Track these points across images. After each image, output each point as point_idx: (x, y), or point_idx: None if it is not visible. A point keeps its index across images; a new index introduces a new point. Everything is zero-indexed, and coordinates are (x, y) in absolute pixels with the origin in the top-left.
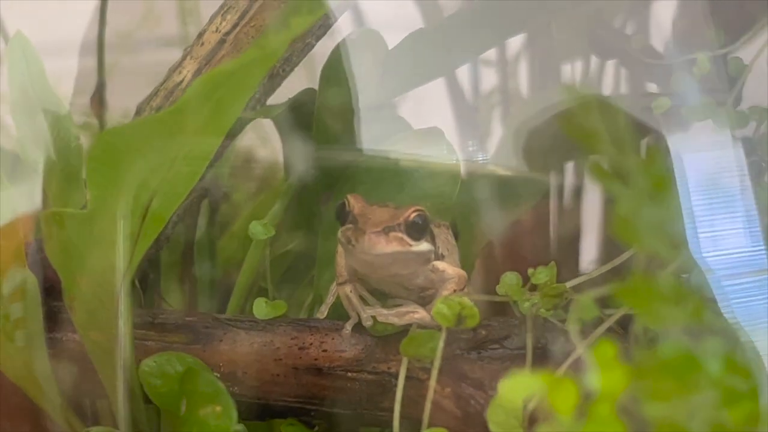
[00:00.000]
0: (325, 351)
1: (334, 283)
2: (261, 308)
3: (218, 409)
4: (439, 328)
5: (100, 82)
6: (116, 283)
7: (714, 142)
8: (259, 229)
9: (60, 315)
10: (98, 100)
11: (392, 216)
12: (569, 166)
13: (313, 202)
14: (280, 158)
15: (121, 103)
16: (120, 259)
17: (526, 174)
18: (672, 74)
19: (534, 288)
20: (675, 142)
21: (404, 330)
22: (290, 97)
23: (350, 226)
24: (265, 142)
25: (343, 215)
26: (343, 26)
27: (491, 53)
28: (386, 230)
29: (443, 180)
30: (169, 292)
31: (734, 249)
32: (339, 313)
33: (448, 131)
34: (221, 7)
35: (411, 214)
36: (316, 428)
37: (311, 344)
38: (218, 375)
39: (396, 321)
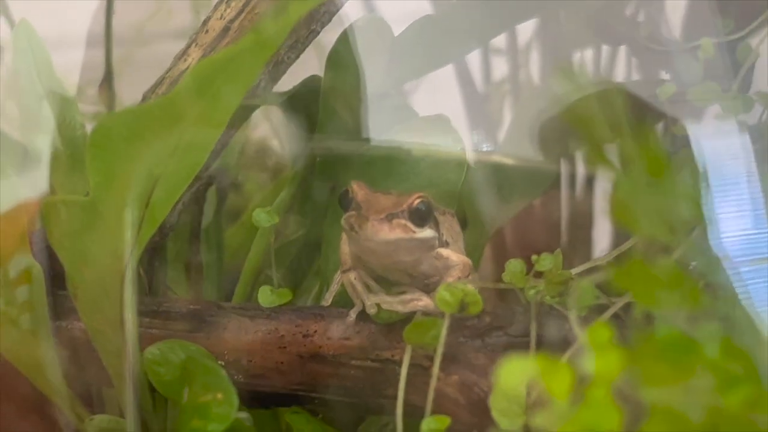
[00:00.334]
0: (329, 339)
1: (339, 271)
2: (266, 296)
3: (219, 396)
4: (444, 316)
5: (108, 71)
6: (119, 271)
7: (722, 128)
8: (263, 217)
9: (66, 303)
10: (107, 89)
11: (396, 203)
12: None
13: (319, 190)
14: (288, 146)
15: (135, 96)
16: (123, 246)
17: (535, 162)
18: (681, 61)
19: (540, 275)
20: (693, 129)
21: (408, 317)
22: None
23: (353, 213)
24: (277, 131)
25: (346, 202)
26: (352, 13)
27: (501, 42)
28: (389, 217)
29: (449, 168)
30: (174, 281)
31: (741, 234)
32: (344, 300)
33: (458, 120)
34: None
35: (414, 200)
36: (321, 416)
37: (316, 332)
38: (222, 363)
39: (400, 308)
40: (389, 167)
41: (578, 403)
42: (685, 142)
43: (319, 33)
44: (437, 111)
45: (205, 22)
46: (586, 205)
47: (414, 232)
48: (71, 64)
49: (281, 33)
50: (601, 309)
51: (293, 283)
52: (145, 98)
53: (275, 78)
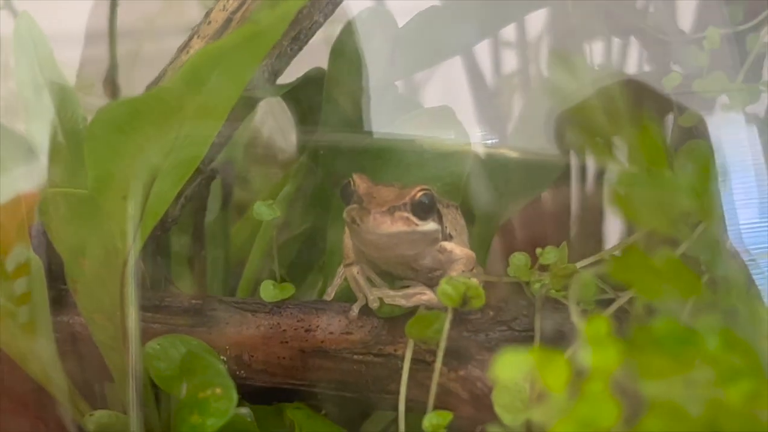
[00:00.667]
0: (331, 333)
1: (342, 265)
2: (268, 290)
3: (218, 391)
4: (447, 310)
5: (112, 66)
6: (119, 266)
7: (730, 119)
8: (264, 210)
9: (67, 298)
10: (111, 83)
11: (398, 195)
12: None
13: (323, 183)
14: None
15: (142, 90)
16: (123, 240)
17: (543, 155)
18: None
19: (545, 269)
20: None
21: (412, 312)
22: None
23: (355, 205)
24: (282, 124)
25: (347, 195)
26: (358, 4)
27: (511, 35)
28: (391, 210)
29: (453, 160)
30: (178, 276)
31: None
32: (348, 295)
33: (467, 113)
34: None
35: (417, 193)
36: (323, 411)
37: (318, 327)
38: (224, 358)
39: (403, 303)
40: (393, 159)
41: (576, 397)
42: (694, 133)
43: (322, 24)
44: (446, 104)
45: (207, 14)
46: (596, 199)
47: (416, 225)
48: (75, 59)
49: (279, 23)
50: (607, 303)
51: (298, 278)
52: None
53: (278, 70)
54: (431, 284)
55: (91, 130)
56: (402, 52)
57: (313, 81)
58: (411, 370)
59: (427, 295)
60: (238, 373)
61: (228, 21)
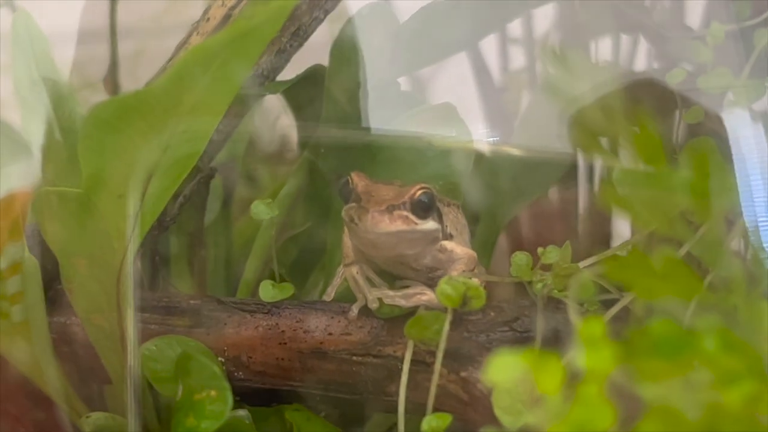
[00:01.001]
0: (330, 334)
1: (341, 265)
2: (267, 290)
3: (213, 393)
4: (447, 310)
5: (113, 63)
6: (116, 266)
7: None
8: (261, 209)
9: (63, 298)
10: (111, 81)
11: (397, 194)
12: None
13: (324, 182)
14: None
15: None
16: (119, 240)
17: (548, 153)
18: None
19: (548, 269)
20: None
21: (412, 312)
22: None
23: (354, 204)
24: (284, 122)
25: (346, 193)
26: (360, 2)
27: (518, 32)
28: (390, 209)
29: (455, 158)
30: (177, 276)
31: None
32: (349, 296)
33: (474, 111)
34: None
35: (416, 191)
36: (323, 413)
37: (316, 327)
38: (223, 360)
39: (403, 303)
40: (394, 157)
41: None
42: (708, 131)
43: (322, 20)
44: (452, 101)
45: (206, 11)
46: None
47: (416, 224)
48: (78, 57)
49: (274, 19)
50: (611, 304)
51: (300, 278)
52: None
53: (278, 67)
54: (432, 284)
55: (84, 128)
56: (404, 48)
57: (313, 78)
58: (411, 371)
59: (427, 296)
60: (236, 374)
61: (227, 17)
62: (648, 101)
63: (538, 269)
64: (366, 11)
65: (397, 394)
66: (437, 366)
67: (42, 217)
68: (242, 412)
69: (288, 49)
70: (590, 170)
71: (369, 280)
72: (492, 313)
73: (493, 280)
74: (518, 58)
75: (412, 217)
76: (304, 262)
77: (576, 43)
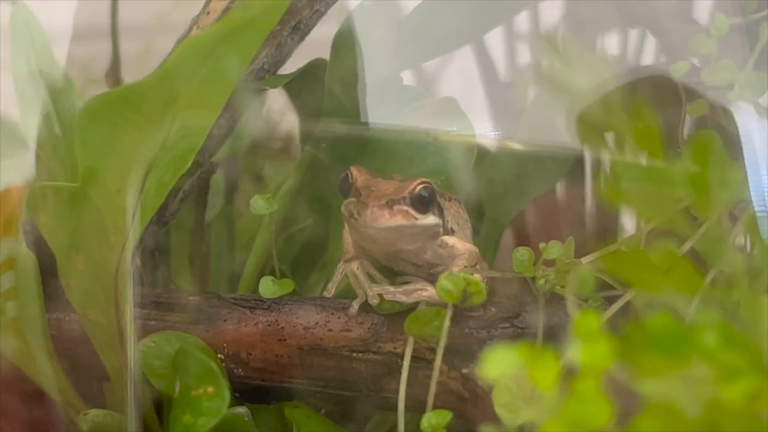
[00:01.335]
0: (330, 331)
1: (342, 261)
2: (267, 287)
3: (210, 390)
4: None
5: (115, 59)
6: (114, 261)
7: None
8: (260, 204)
9: (63, 294)
10: (113, 77)
11: (397, 188)
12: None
13: (326, 177)
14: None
15: None
16: (117, 235)
17: (554, 148)
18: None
19: (551, 264)
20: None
21: (412, 309)
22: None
23: (353, 199)
24: (287, 116)
25: (345, 188)
26: None
27: (524, 27)
28: (390, 203)
29: (458, 153)
30: (178, 272)
31: None
32: (350, 291)
33: (480, 106)
34: None
35: (417, 186)
36: (323, 410)
37: (316, 324)
38: (222, 356)
39: (403, 299)
40: (395, 152)
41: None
42: (709, 124)
43: (323, 14)
44: (458, 96)
45: (206, 4)
46: None
47: (416, 218)
48: (82, 55)
49: (271, 11)
50: (616, 300)
51: (302, 274)
52: None
53: (279, 60)
54: (433, 280)
55: (80, 122)
56: (407, 42)
57: (314, 72)
58: (411, 368)
59: (428, 292)
60: (235, 371)
61: (227, 11)
62: (656, 96)
63: (540, 265)
64: (368, 4)
65: (397, 391)
66: (437, 362)
67: (37, 211)
68: (241, 410)
69: (289, 43)
70: (597, 165)
71: (369, 275)
72: (493, 309)
73: (494, 276)
74: (524, 53)
75: (412, 211)
76: (306, 257)
77: (582, 37)
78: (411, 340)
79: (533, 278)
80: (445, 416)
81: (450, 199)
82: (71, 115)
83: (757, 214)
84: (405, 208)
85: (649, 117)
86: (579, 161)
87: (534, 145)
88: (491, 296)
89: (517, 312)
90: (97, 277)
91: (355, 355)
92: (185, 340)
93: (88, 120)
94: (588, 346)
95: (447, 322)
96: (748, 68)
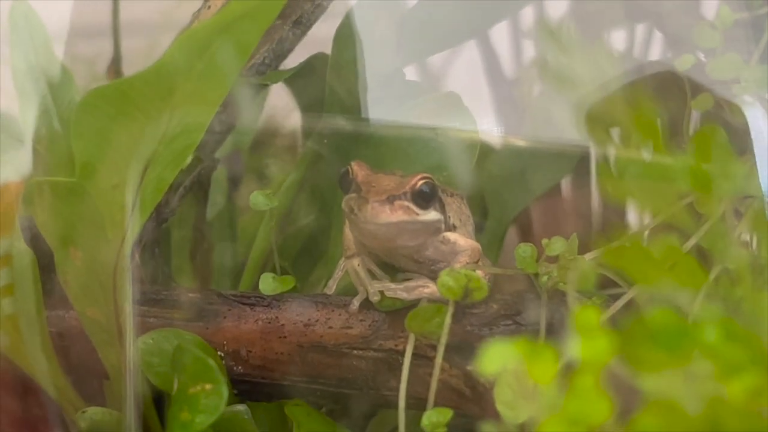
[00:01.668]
0: (330, 328)
1: (343, 257)
2: (268, 283)
3: (208, 387)
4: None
5: (116, 55)
6: (112, 257)
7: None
8: (260, 200)
9: (62, 291)
10: (114, 71)
11: (398, 184)
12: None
13: (328, 172)
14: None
15: None
16: (115, 231)
17: (559, 145)
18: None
19: (555, 261)
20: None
21: (413, 305)
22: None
23: (353, 194)
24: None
25: (346, 183)
26: None
27: (531, 22)
28: (391, 199)
29: (461, 148)
30: (179, 270)
31: None
32: (351, 288)
33: (485, 103)
34: None
35: (418, 181)
36: (324, 408)
37: (317, 321)
38: (222, 354)
39: (405, 296)
40: (397, 147)
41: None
42: (717, 119)
43: (326, 8)
44: (463, 92)
45: None
46: None
47: (417, 214)
48: (86, 52)
49: (269, 3)
50: (619, 297)
51: (304, 270)
52: None
53: (280, 55)
54: (434, 277)
55: (77, 115)
56: (410, 36)
57: (316, 67)
58: (412, 365)
59: (429, 288)
60: (235, 368)
61: (227, 4)
62: (665, 92)
63: (544, 261)
64: None
65: (398, 389)
66: (438, 360)
67: (33, 207)
68: (241, 407)
69: (290, 38)
70: (605, 161)
71: (370, 272)
72: (495, 306)
73: (497, 272)
74: (530, 49)
75: (413, 207)
76: (308, 254)
77: (588, 33)
78: (412, 338)
79: (536, 275)
80: (446, 414)
81: (452, 195)
82: (70, 110)
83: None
84: (406, 203)
85: (651, 110)
86: (584, 157)
87: (539, 141)
88: (494, 293)
89: (520, 309)
90: (95, 274)
91: (355, 352)
92: (184, 338)
93: (84, 113)
94: (587, 342)
95: (448, 319)
96: (753, 62)
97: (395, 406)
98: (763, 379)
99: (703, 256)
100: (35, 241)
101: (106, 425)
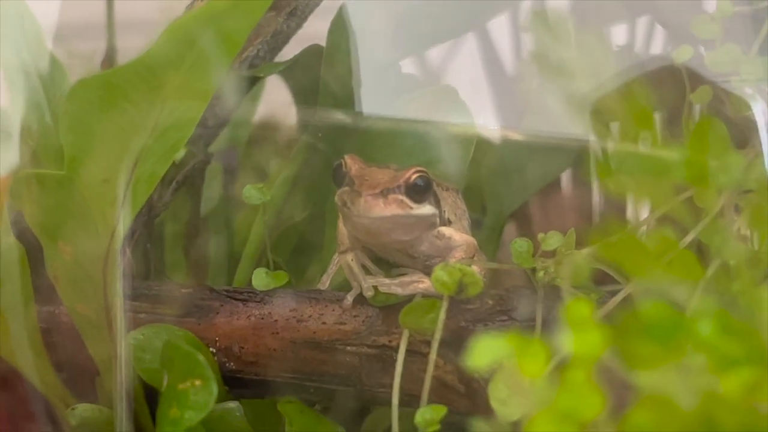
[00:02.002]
0: (324, 324)
1: (336, 252)
2: (261, 279)
3: (197, 383)
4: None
5: (110, 48)
6: (102, 252)
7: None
8: (253, 194)
9: (51, 286)
10: (108, 65)
11: (392, 177)
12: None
13: (324, 166)
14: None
15: None
16: (105, 225)
17: (558, 139)
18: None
19: (551, 256)
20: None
21: (408, 301)
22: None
23: (347, 188)
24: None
25: (339, 177)
26: None
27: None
28: (384, 192)
29: (457, 142)
30: (172, 265)
31: None
32: (345, 284)
33: (485, 97)
34: None
35: (412, 175)
36: (317, 405)
37: (310, 316)
38: (214, 350)
39: (399, 291)
40: (393, 141)
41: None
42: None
43: (320, 1)
44: (463, 88)
45: None
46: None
47: (411, 208)
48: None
49: None
50: (617, 293)
51: (300, 266)
52: None
53: (275, 48)
54: (429, 272)
55: (66, 107)
56: (407, 28)
57: (311, 59)
58: (406, 362)
59: (424, 284)
60: (227, 365)
61: None
62: (667, 86)
63: (540, 256)
64: None
65: (391, 385)
66: (432, 356)
67: (22, 201)
68: (232, 404)
69: (285, 30)
70: (605, 156)
71: (364, 267)
72: (490, 302)
73: (492, 267)
74: (530, 44)
75: (407, 201)
76: (303, 249)
77: (589, 27)
78: (406, 333)
79: (533, 270)
80: (440, 411)
81: (447, 189)
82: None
83: None
84: (400, 197)
85: (649, 103)
86: (584, 152)
87: (538, 135)
88: (489, 288)
89: (515, 304)
90: (85, 268)
91: (349, 348)
92: (175, 333)
93: (72, 104)
94: (579, 335)
95: (443, 315)
96: (752, 54)
97: (389, 403)
98: (758, 373)
99: (702, 251)
100: (24, 235)
101: (96, 422)
